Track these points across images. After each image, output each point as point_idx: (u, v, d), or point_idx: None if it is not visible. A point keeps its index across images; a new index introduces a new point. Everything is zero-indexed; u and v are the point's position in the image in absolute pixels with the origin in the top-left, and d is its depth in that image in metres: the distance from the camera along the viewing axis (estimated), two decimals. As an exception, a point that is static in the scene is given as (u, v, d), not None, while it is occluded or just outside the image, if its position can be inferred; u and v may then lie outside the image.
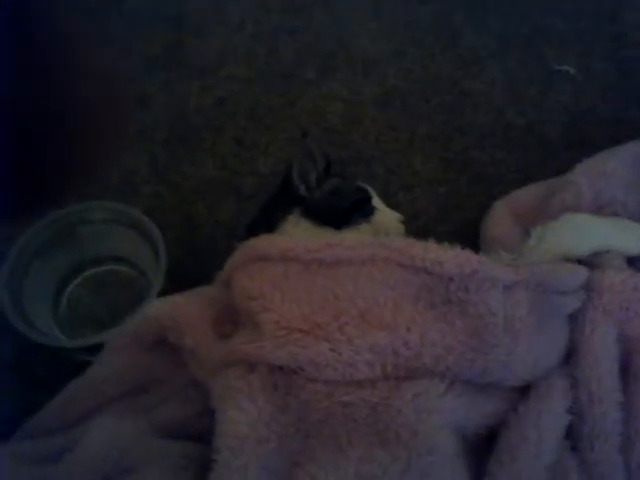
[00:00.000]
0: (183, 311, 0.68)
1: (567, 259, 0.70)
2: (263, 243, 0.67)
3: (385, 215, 0.83)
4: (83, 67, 0.32)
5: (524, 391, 0.63)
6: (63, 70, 0.30)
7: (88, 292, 0.85)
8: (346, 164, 1.00)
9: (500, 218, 0.87)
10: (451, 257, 0.61)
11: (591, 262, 0.70)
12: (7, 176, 0.29)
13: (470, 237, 0.91)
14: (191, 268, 0.88)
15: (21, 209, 0.32)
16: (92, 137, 0.33)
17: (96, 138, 0.34)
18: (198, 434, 0.63)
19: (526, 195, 0.88)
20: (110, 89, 0.35)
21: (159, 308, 0.69)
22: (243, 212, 0.94)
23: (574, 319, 0.67)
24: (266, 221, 0.80)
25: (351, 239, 0.65)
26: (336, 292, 0.61)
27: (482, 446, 0.60)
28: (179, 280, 0.82)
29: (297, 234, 0.75)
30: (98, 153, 0.34)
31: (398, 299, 0.60)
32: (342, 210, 0.77)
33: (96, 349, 0.72)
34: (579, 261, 0.70)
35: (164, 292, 0.77)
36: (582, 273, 0.67)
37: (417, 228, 0.91)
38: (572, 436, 0.61)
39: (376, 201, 0.83)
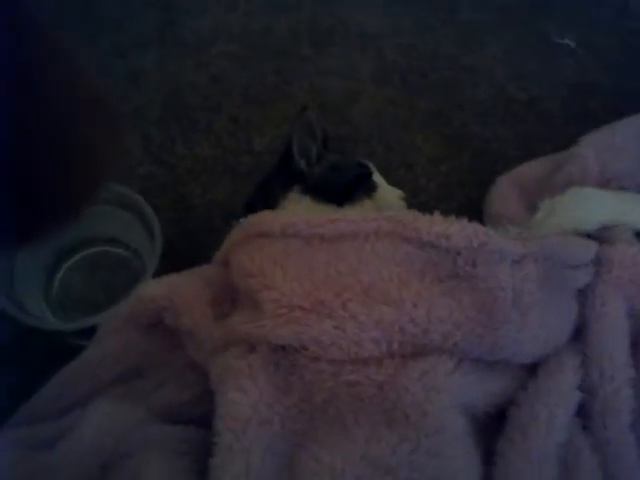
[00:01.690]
0: (180, 291, 0.66)
1: (576, 233, 0.68)
2: (263, 219, 0.64)
3: (386, 192, 0.80)
4: (81, 97, 0.31)
5: (533, 369, 0.61)
6: (61, 101, 0.29)
7: (81, 274, 0.83)
8: (344, 141, 0.98)
9: (504, 194, 0.85)
10: (458, 230, 0.59)
11: (600, 236, 0.68)
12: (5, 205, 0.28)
13: (473, 214, 0.87)
14: (186, 249, 0.86)
15: (18, 237, 0.32)
16: (88, 168, 0.32)
17: (92, 169, 0.33)
18: (198, 418, 0.61)
19: (531, 170, 0.86)
20: (106, 119, 0.34)
21: (155, 288, 0.67)
22: (239, 192, 0.92)
23: (583, 294, 0.65)
24: (265, 199, 0.78)
25: (354, 214, 0.62)
26: (339, 268, 0.58)
27: (492, 425, 0.58)
28: (174, 261, 0.79)
29: (298, 211, 0.73)
30: (93, 182, 0.34)
31: (403, 274, 0.57)
32: (343, 186, 0.75)
33: (90, 332, 0.70)
34: (588, 235, 0.68)
35: (159, 274, 0.74)
36: (592, 247, 0.65)
37: (418, 205, 0.87)
38: (583, 414, 0.59)
39: (377, 177, 0.81)
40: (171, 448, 0.56)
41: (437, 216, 0.60)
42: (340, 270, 0.58)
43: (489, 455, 0.55)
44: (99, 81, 0.33)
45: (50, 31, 0.29)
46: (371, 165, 0.82)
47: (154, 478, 0.50)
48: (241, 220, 0.69)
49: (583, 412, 0.59)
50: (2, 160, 0.26)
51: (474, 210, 0.89)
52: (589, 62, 1.07)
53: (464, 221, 0.60)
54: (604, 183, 0.76)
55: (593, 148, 0.79)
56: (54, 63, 0.29)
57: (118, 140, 0.35)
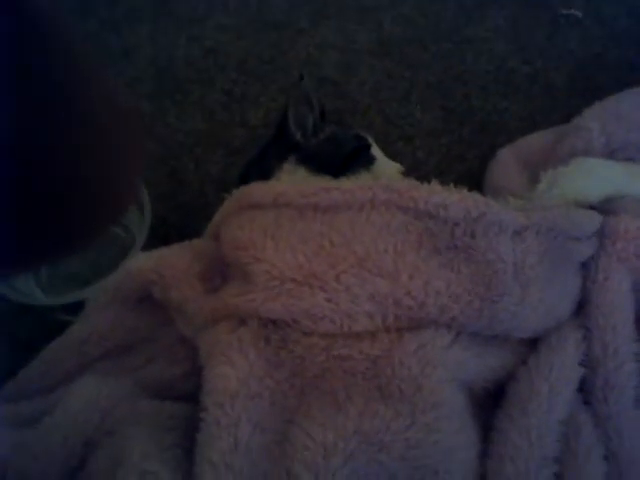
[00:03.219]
0: (169, 264, 0.64)
1: (579, 205, 0.65)
2: (254, 190, 0.62)
3: (384, 165, 0.78)
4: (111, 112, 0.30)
5: (534, 344, 0.59)
6: (75, 104, 0.27)
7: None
8: (342, 114, 0.95)
9: (505, 166, 0.82)
10: (457, 200, 0.56)
11: (604, 208, 0.66)
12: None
13: (473, 188, 0.86)
14: (178, 224, 0.84)
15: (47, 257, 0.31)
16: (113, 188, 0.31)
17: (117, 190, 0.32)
18: (187, 394, 0.59)
19: (533, 142, 0.83)
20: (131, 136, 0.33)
21: (143, 262, 0.65)
22: (233, 166, 0.89)
23: (586, 267, 0.63)
24: (260, 169, 0.76)
25: (349, 183, 0.60)
26: (332, 239, 0.56)
27: (490, 401, 0.56)
28: (165, 237, 0.78)
29: (293, 182, 0.71)
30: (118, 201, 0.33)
31: (399, 245, 0.55)
32: (340, 157, 0.73)
33: (78, 308, 0.68)
34: (591, 207, 0.66)
35: (149, 249, 0.72)
36: (596, 218, 0.63)
37: (417, 179, 0.86)
38: (585, 390, 0.57)
39: (375, 150, 0.79)
40: (158, 423, 0.54)
41: (435, 185, 0.58)
42: (334, 241, 0.56)
43: (487, 431, 0.53)
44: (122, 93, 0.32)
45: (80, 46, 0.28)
46: (369, 137, 0.79)
47: (139, 455, 0.48)
48: (233, 191, 0.67)
49: (585, 386, 0.57)
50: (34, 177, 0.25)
51: (474, 184, 0.86)
52: (595, 33, 1.03)
53: (463, 191, 0.58)
54: (609, 154, 0.74)
55: (598, 119, 0.76)
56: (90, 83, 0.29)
57: (140, 157, 0.34)
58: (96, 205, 0.30)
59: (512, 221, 0.57)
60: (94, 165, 0.29)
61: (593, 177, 0.68)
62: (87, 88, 0.28)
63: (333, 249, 0.56)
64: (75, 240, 0.31)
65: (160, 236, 0.78)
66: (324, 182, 0.63)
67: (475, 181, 0.87)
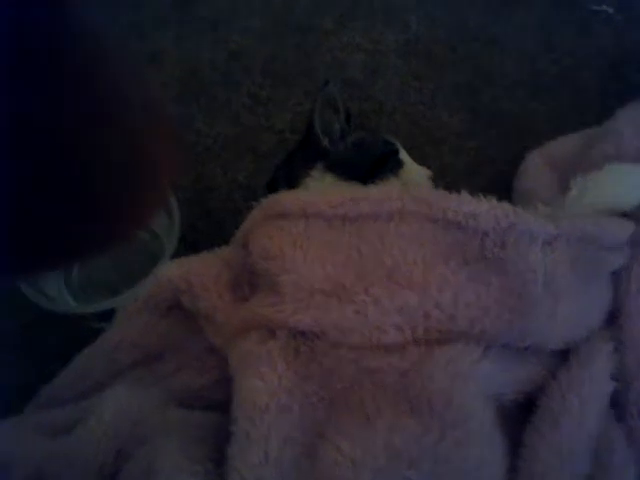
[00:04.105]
0: (197, 273, 0.64)
1: (611, 213, 0.64)
2: (282, 199, 0.62)
3: (413, 170, 0.77)
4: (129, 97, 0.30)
5: (565, 356, 0.58)
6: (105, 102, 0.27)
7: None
8: (368, 117, 0.95)
9: (535, 170, 0.81)
10: (486, 210, 0.56)
11: (637, 216, 0.65)
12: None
13: (502, 193, 0.84)
14: (206, 231, 0.84)
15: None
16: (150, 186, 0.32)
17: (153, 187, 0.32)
18: (217, 403, 0.60)
19: (563, 145, 0.82)
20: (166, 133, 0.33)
21: (172, 271, 0.65)
22: (260, 171, 0.89)
23: (618, 277, 0.62)
24: (287, 177, 0.76)
25: (377, 192, 0.59)
26: (361, 250, 0.56)
27: (519, 415, 0.55)
28: (194, 243, 0.78)
29: (320, 190, 0.71)
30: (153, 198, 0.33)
31: (429, 257, 0.55)
32: (368, 163, 0.73)
33: (110, 315, 0.69)
34: (624, 215, 0.65)
35: (178, 256, 0.73)
36: (628, 227, 0.62)
37: (445, 184, 0.85)
38: (617, 404, 0.56)
39: (403, 154, 0.78)
40: (188, 434, 0.54)
41: (464, 195, 0.57)
42: (362, 252, 0.56)
43: (516, 446, 0.53)
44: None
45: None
46: (397, 143, 0.78)
47: (168, 466, 0.48)
48: (261, 200, 0.67)
49: (617, 401, 0.57)
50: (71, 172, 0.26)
51: (503, 189, 0.85)
52: (628, 30, 1.01)
53: (493, 201, 0.57)
54: (642, 159, 0.72)
55: (630, 122, 0.75)
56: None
57: (172, 161, 0.34)
58: (125, 206, 0.30)
59: (542, 231, 0.56)
60: (124, 166, 0.29)
61: (625, 184, 0.67)
62: (122, 89, 0.29)
63: (362, 260, 0.56)
64: (103, 240, 0.31)
65: (189, 243, 0.79)
66: (352, 192, 0.63)
67: (505, 184, 0.86)
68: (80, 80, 0.26)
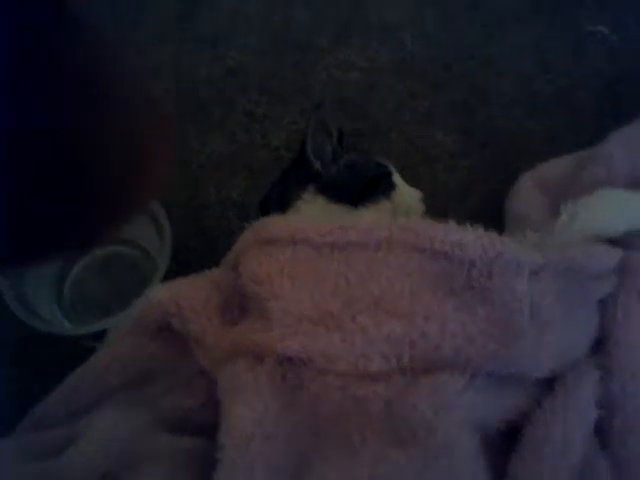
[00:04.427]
0: (187, 296, 0.64)
1: (599, 238, 0.64)
2: (271, 225, 0.62)
3: (405, 192, 0.78)
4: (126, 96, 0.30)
5: (550, 383, 0.58)
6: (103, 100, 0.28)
7: (92, 275, 0.82)
8: (363, 136, 0.95)
9: (527, 192, 0.81)
10: (473, 239, 0.56)
11: (625, 242, 0.65)
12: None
13: (494, 212, 0.85)
14: (199, 249, 0.85)
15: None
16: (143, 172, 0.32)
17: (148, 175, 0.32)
18: (206, 426, 0.60)
19: (555, 168, 0.82)
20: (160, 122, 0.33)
21: (162, 293, 0.66)
22: (254, 188, 0.90)
23: (605, 304, 0.62)
24: (279, 198, 0.77)
25: (366, 220, 0.60)
26: (349, 278, 0.56)
27: (504, 444, 0.55)
28: (187, 262, 0.79)
29: (312, 212, 0.71)
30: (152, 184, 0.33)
31: (415, 287, 0.55)
32: (360, 186, 0.73)
33: (101, 334, 0.69)
34: (611, 240, 0.65)
35: (171, 273, 0.73)
36: (616, 254, 0.62)
37: (438, 204, 0.86)
38: (602, 432, 0.57)
39: (395, 177, 0.79)
40: (176, 461, 0.55)
41: (451, 224, 0.58)
42: (350, 281, 0.56)
43: (500, 476, 0.53)
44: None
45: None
46: (390, 165, 0.79)
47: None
48: (253, 222, 0.67)
49: (601, 429, 0.57)
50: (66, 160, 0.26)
51: (496, 208, 0.86)
52: (623, 50, 1.01)
53: (479, 230, 0.57)
54: (633, 184, 0.72)
55: (621, 145, 0.75)
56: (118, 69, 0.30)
57: (170, 145, 0.34)
58: (118, 195, 0.31)
59: (529, 260, 0.56)
60: (123, 164, 0.29)
61: (614, 210, 0.67)
62: (121, 88, 0.29)
63: (349, 289, 0.56)
64: (96, 228, 0.31)
65: (182, 261, 0.79)
66: (344, 214, 0.63)
67: (497, 204, 0.86)
68: (80, 80, 0.26)
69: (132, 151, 0.30)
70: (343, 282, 0.56)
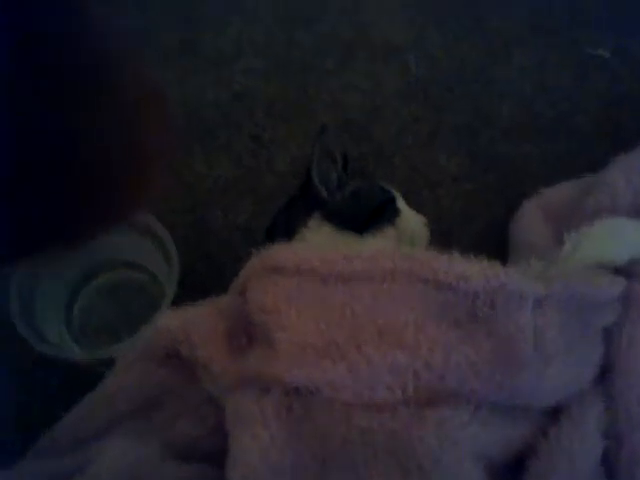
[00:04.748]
0: (195, 323, 0.65)
1: (603, 267, 0.65)
2: (277, 254, 0.63)
3: (409, 218, 0.79)
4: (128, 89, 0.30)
5: (555, 413, 0.59)
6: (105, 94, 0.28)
7: (101, 299, 0.83)
8: (366, 159, 0.96)
9: (531, 219, 0.82)
10: (477, 271, 0.57)
11: (629, 270, 0.65)
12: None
13: (499, 236, 0.86)
14: (206, 273, 0.85)
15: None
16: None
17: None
18: (214, 453, 0.61)
19: (558, 194, 0.83)
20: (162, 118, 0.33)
21: (170, 320, 0.67)
22: (261, 213, 0.90)
23: (609, 333, 0.63)
24: (285, 225, 0.77)
25: (370, 250, 0.61)
26: (354, 308, 0.57)
27: (509, 475, 0.56)
28: (193, 287, 0.79)
29: (318, 240, 0.72)
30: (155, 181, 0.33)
31: (420, 318, 0.56)
32: (365, 213, 0.74)
33: (111, 360, 0.70)
34: (615, 269, 0.66)
35: (179, 298, 0.74)
36: (620, 283, 0.63)
37: (442, 229, 0.87)
38: (608, 462, 0.57)
39: (400, 202, 0.79)
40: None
41: (455, 256, 0.59)
42: (355, 311, 0.57)
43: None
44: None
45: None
46: (393, 191, 0.80)
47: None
48: (260, 249, 0.68)
49: (608, 459, 0.57)
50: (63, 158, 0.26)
51: (500, 233, 0.86)
52: (624, 74, 1.03)
53: (483, 262, 0.58)
54: (636, 212, 0.73)
55: (623, 173, 0.76)
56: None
57: (171, 145, 0.34)
58: (124, 190, 0.31)
59: (532, 291, 0.57)
60: (122, 151, 0.30)
61: (618, 239, 0.68)
62: (121, 79, 0.30)
63: (354, 319, 0.57)
64: (98, 221, 0.32)
65: (189, 286, 0.80)
66: (350, 242, 0.64)
67: (501, 229, 0.87)
68: (80, 80, 0.26)
69: (132, 151, 0.30)
70: (348, 312, 0.57)
